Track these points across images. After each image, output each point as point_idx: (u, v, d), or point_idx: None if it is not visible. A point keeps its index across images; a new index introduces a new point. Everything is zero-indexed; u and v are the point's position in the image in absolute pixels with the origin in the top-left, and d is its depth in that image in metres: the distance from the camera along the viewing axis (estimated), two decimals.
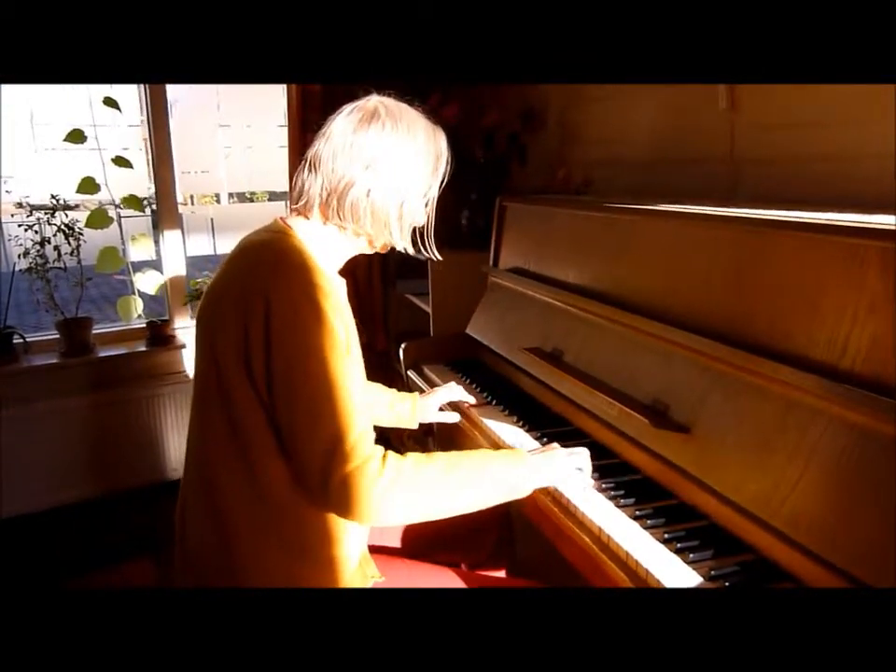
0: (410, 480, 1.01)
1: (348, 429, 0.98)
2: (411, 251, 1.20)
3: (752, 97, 1.58)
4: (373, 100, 1.15)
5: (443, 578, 1.25)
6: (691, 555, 0.98)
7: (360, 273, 2.88)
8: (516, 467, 1.12)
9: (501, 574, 1.52)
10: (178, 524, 1.15)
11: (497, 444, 1.43)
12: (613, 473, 1.23)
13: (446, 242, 1.19)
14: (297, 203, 1.14)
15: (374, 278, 2.90)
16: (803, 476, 0.94)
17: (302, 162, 1.15)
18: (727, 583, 0.93)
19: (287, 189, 2.97)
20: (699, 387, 1.15)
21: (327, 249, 1.15)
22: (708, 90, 1.65)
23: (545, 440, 1.38)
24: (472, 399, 1.60)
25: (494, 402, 1.62)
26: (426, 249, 1.23)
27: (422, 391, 1.81)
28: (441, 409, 1.61)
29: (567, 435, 1.41)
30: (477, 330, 1.93)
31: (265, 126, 3.62)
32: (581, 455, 1.20)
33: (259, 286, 1.01)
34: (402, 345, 2.00)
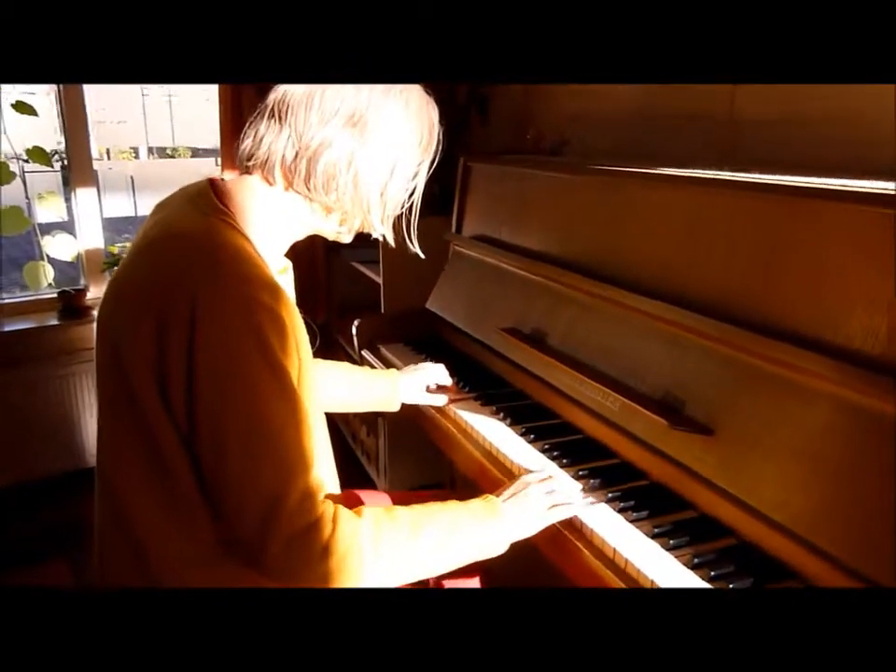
0: (368, 548, 0.81)
1: (292, 485, 0.78)
2: (391, 240, 0.99)
3: None
4: None
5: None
6: (731, 585, 0.83)
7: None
8: (490, 526, 0.92)
9: (475, 583, 1.35)
10: (97, 561, 0.93)
11: (475, 441, 1.25)
12: (617, 478, 1.07)
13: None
14: (249, 161, 0.90)
15: (317, 243, 2.65)
16: (862, 491, 0.80)
17: (260, 109, 0.91)
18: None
19: (212, 146, 2.67)
20: (721, 382, 0.99)
21: (278, 227, 0.92)
22: None
23: (532, 436, 1.21)
24: (450, 383, 1.40)
25: (466, 389, 1.43)
26: (410, 241, 1.02)
27: None
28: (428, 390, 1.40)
29: (555, 429, 1.25)
30: (440, 306, 1.74)
31: None
32: (562, 491, 1.00)
33: (181, 295, 0.77)
34: (355, 322, 1.79)
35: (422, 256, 1.03)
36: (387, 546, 0.83)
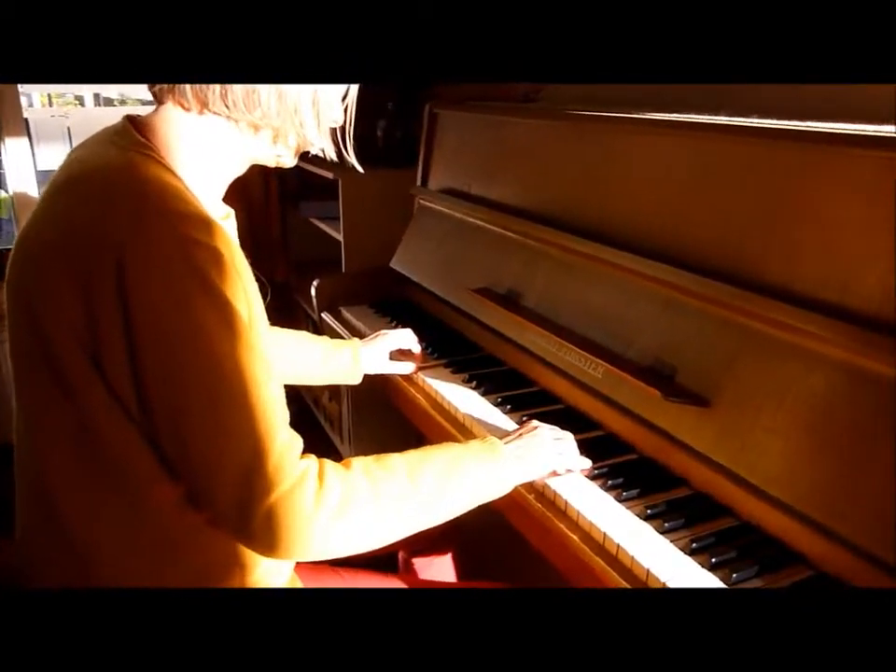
0: (363, 502, 0.73)
1: (268, 443, 0.68)
2: (331, 153, 0.86)
3: None
4: None
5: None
6: (734, 575, 0.75)
7: (254, 191, 2.48)
8: (491, 468, 0.85)
9: (447, 561, 1.27)
10: (19, 546, 0.82)
11: (447, 413, 1.15)
12: (602, 452, 0.99)
13: (358, 158, 0.89)
14: (155, 86, 0.77)
15: (271, 198, 2.50)
16: (873, 465, 0.72)
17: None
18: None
19: None
20: (717, 347, 0.91)
21: (208, 158, 0.79)
22: None
23: (508, 406, 1.12)
24: (417, 351, 1.30)
25: (435, 355, 1.33)
26: (346, 152, 0.90)
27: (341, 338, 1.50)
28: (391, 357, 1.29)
29: (532, 399, 1.16)
30: (405, 265, 1.62)
31: None
32: (568, 442, 0.95)
33: (104, 243, 0.66)
34: (314, 283, 1.66)
35: (360, 170, 0.92)
36: (385, 498, 0.75)
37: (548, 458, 0.91)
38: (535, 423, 0.95)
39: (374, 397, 1.84)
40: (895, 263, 0.76)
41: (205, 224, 0.69)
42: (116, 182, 0.70)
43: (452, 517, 0.83)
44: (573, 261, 1.17)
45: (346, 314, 1.61)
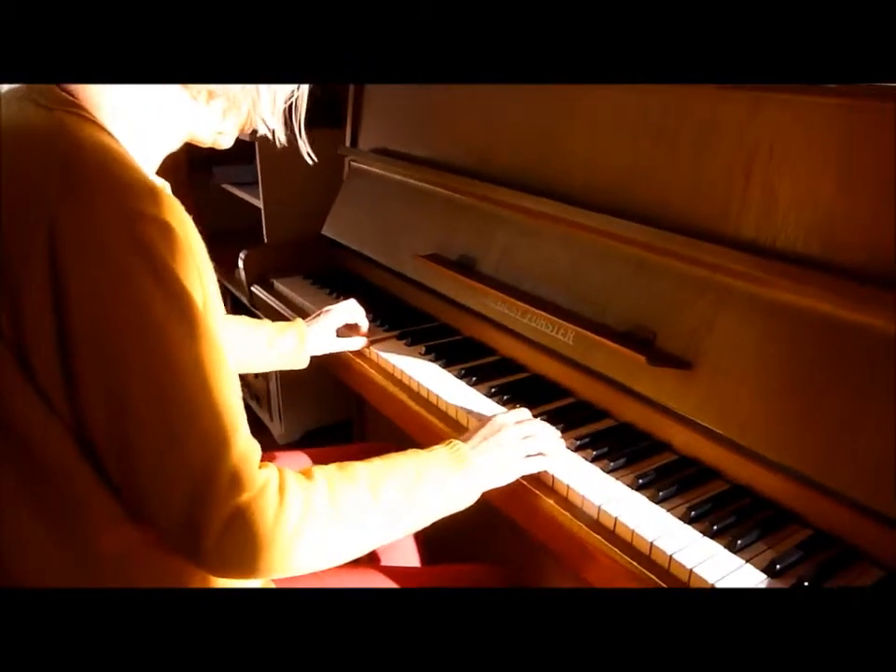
0: (325, 519, 0.66)
1: (223, 450, 0.60)
2: (282, 136, 0.80)
3: None
4: None
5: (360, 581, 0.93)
6: (738, 541, 0.73)
7: None
8: (458, 479, 0.78)
9: (410, 543, 1.22)
10: None
11: (409, 389, 1.08)
12: (577, 420, 0.95)
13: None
14: None
15: (180, 162, 2.32)
16: (868, 421, 0.71)
17: None
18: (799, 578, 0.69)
19: None
20: (697, 307, 0.88)
21: (150, 121, 0.70)
22: None
23: (473, 378, 1.07)
24: (365, 324, 1.22)
25: (385, 327, 1.26)
26: (300, 138, 0.83)
27: (279, 316, 1.41)
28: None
29: (496, 368, 1.11)
30: (340, 232, 1.53)
31: None
32: (539, 436, 0.86)
33: (32, 217, 0.57)
34: (242, 255, 1.55)
35: (314, 159, 0.88)
36: (348, 511, 0.68)
37: (515, 464, 0.83)
38: (500, 420, 0.86)
39: (305, 372, 1.75)
40: (876, 214, 0.75)
41: (153, 195, 0.60)
42: (44, 143, 0.60)
43: (418, 528, 0.77)
44: (532, 223, 1.11)
45: (280, 286, 1.50)
